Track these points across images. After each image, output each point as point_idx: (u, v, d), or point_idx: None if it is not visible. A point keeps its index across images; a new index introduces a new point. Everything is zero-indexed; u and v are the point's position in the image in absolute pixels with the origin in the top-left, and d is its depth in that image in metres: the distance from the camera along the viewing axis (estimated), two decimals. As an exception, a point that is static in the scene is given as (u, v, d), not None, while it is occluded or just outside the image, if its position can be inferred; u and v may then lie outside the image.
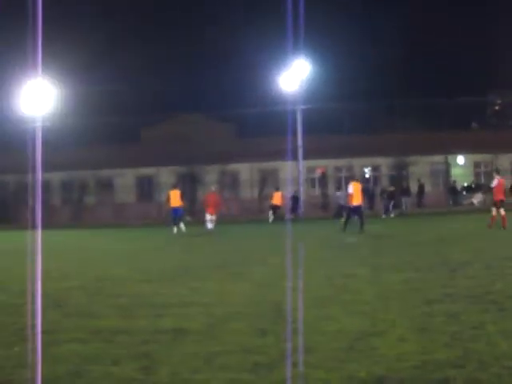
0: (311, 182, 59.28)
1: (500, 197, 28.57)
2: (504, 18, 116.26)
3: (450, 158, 57.87)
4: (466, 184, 55.82)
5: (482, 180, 58.16)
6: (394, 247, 21.43)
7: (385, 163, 58.80)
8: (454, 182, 57.40)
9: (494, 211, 28.60)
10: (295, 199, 49.86)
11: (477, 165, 60.13)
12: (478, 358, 6.94)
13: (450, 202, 54.50)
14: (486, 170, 58.11)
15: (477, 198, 53.46)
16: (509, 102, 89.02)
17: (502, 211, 27.97)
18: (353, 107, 59.32)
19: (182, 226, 34.40)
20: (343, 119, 57.72)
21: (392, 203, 47.17)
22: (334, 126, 58.24)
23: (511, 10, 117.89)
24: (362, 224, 28.81)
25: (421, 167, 55.56)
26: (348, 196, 30.05)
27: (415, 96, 61.05)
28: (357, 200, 29.31)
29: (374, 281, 13.14)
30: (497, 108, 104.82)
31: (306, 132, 51.76)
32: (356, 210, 29.56)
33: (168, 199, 35.03)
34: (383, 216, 45.11)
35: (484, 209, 46.70)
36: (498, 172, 30.19)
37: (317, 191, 58.08)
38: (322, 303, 10.59)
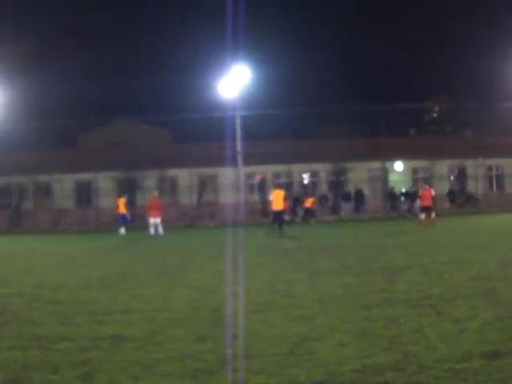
0: (250, 188, 59.31)
1: (427, 203, 32.86)
2: (444, 26, 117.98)
3: (388, 164, 58.36)
4: (404, 190, 56.34)
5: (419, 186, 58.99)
6: (332, 252, 21.55)
7: (323, 169, 59.10)
8: (392, 187, 57.88)
9: (423, 216, 32.67)
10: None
11: (415, 171, 60.76)
12: (417, 361, 7.05)
13: (391, 209, 54.97)
14: (424, 175, 58.80)
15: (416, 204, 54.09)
16: (447, 109, 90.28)
17: (429, 215, 32.36)
18: (291, 113, 59.55)
19: (122, 231, 37.77)
20: (282, 125, 57.82)
21: (414, 204, 47.84)
22: (273, 132, 58.36)
23: (450, 18, 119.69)
24: (280, 229, 30.16)
25: (359, 173, 55.97)
26: (269, 202, 32.35)
27: (353, 102, 61.40)
28: (277, 205, 30.56)
29: (314, 286, 13.22)
30: (435, 115, 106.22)
31: (245, 138, 51.85)
32: (276, 214, 30.81)
33: (117, 206, 39.76)
34: (409, 216, 45.97)
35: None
36: (426, 182, 33.78)
37: (256, 197, 58.06)
38: (261, 308, 10.63)
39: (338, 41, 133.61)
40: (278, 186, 33.73)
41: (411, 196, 50.42)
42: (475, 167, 57.32)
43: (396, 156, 58.16)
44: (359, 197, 54.69)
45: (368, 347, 7.78)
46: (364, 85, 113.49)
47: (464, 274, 14.01)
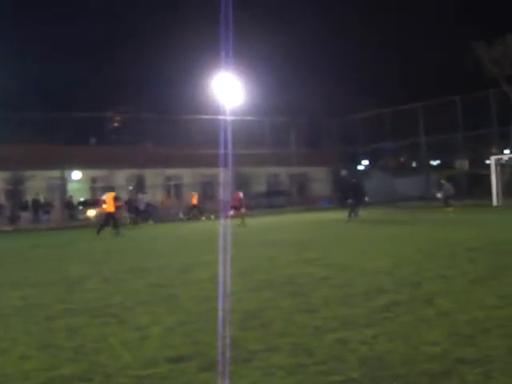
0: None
1: (235, 203, 39.33)
2: (125, 36, 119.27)
3: (66, 172, 57.92)
4: (82, 199, 56.35)
5: (97, 195, 59.09)
6: (9, 263, 21.02)
7: (0, 178, 57.10)
8: (71, 197, 57.51)
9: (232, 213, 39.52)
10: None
11: (93, 180, 60.93)
12: (103, 370, 7.07)
13: (69, 218, 54.56)
14: (102, 185, 59.02)
15: (92, 213, 53.85)
16: (128, 119, 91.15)
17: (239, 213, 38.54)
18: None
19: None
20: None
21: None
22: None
23: (129, 28, 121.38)
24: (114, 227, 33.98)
25: (38, 182, 54.83)
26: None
27: (33, 108, 59.84)
28: (109, 208, 33.94)
29: (-9, 298, 12.80)
30: (116, 124, 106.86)
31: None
32: (107, 215, 34.27)
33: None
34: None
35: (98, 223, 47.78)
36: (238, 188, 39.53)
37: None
38: None
39: (39, 48, 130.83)
40: (111, 190, 37.58)
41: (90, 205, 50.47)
42: (154, 176, 58.72)
43: (75, 165, 57.86)
44: (37, 206, 53.75)
45: (53, 359, 7.67)
46: (44, 92, 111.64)
47: (144, 280, 14.26)
